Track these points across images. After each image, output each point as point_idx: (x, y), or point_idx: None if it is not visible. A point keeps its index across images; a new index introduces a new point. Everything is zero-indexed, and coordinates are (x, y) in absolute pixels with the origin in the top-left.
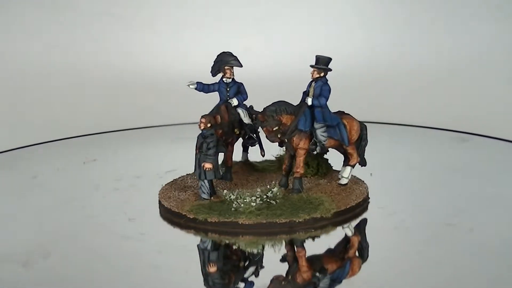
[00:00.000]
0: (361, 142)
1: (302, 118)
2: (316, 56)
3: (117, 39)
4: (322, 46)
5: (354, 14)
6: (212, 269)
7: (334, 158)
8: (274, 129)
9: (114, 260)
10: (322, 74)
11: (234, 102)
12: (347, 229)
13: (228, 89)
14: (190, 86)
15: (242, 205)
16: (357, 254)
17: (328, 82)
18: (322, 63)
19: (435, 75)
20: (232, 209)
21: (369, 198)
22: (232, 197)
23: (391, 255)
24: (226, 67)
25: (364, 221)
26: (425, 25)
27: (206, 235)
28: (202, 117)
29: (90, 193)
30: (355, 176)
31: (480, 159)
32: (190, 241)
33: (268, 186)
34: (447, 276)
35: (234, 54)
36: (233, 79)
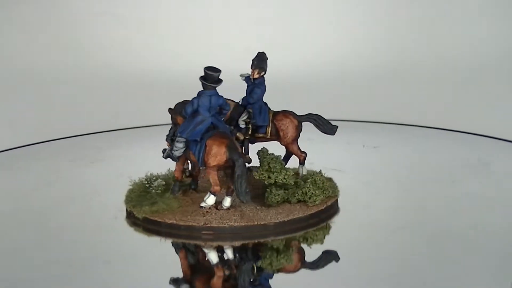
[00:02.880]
0: (234, 173)
1: None
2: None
3: (117, 39)
4: (322, 46)
5: (354, 14)
6: None
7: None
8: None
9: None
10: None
11: (241, 101)
12: (211, 255)
13: (247, 87)
14: (242, 79)
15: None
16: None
17: (196, 97)
18: (205, 78)
19: (436, 75)
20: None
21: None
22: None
23: (378, 256)
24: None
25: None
26: (425, 25)
27: None
28: None
29: (89, 193)
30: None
31: (479, 159)
32: None
33: (159, 179)
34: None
35: (259, 56)
36: (255, 79)
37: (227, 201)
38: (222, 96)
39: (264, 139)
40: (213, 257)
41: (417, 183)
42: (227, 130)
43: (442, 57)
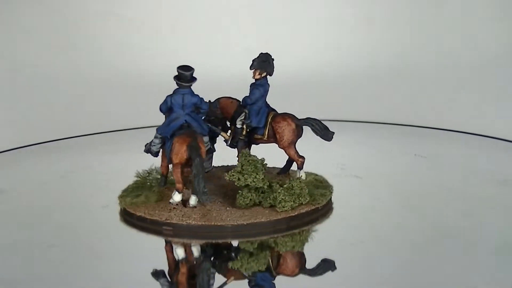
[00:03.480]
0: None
1: None
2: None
3: (117, 39)
4: (323, 46)
5: (354, 14)
6: None
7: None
8: None
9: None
10: None
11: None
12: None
13: (249, 87)
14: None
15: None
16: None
17: (170, 95)
18: (178, 77)
19: (436, 75)
20: None
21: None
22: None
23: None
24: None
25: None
26: (425, 25)
27: None
28: None
29: (89, 193)
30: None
31: (480, 159)
32: None
33: (155, 172)
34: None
35: (259, 57)
36: (256, 80)
37: (192, 199)
38: (197, 95)
39: (263, 141)
40: (179, 252)
41: (416, 184)
42: (202, 130)
43: (442, 57)
